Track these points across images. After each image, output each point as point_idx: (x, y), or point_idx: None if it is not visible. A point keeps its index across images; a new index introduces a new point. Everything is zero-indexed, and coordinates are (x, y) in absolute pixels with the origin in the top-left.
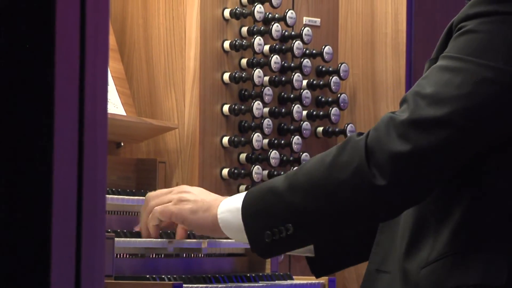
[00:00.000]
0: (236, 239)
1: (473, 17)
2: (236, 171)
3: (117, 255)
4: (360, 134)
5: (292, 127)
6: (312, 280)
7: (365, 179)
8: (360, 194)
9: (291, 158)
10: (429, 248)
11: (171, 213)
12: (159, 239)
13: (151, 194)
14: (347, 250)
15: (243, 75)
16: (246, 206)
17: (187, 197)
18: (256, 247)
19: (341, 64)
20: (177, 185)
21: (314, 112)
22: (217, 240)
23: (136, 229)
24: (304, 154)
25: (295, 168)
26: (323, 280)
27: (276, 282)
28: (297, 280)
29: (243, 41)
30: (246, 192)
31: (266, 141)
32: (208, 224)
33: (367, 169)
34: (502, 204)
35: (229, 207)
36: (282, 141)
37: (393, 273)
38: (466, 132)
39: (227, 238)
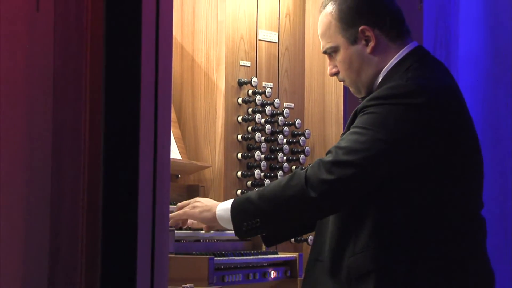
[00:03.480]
0: (226, 227)
1: (371, 105)
2: (245, 192)
3: (176, 240)
4: (302, 169)
5: (277, 166)
6: (289, 254)
7: (304, 195)
8: (301, 203)
9: None
10: (353, 244)
11: (187, 215)
12: (201, 231)
13: (178, 204)
14: (286, 232)
15: (249, 136)
16: (232, 208)
17: (197, 204)
18: (238, 233)
19: (306, 129)
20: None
21: (290, 158)
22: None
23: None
24: None
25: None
26: (295, 254)
27: (268, 256)
28: (281, 254)
29: (249, 116)
30: (234, 199)
31: (262, 174)
32: (210, 218)
33: (306, 189)
34: (399, 215)
35: (223, 207)
36: (272, 175)
37: (326, 261)
38: (366, 170)
39: (223, 229)
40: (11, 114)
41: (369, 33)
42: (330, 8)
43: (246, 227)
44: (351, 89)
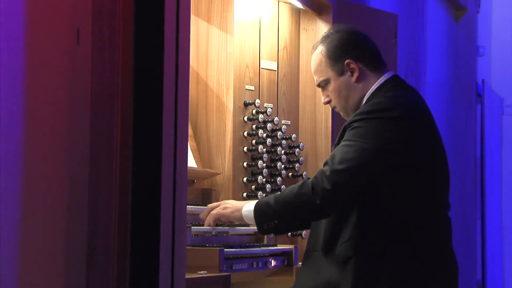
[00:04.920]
0: (251, 223)
1: (357, 120)
2: (250, 194)
3: (192, 234)
4: (308, 179)
5: (277, 173)
6: (286, 246)
7: (311, 201)
8: (309, 208)
9: (276, 188)
10: (342, 235)
11: (221, 215)
12: (213, 227)
13: (209, 204)
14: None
15: (253, 148)
16: (255, 210)
17: (228, 206)
18: (260, 231)
19: (300, 143)
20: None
21: (288, 166)
22: (241, 228)
23: (201, 216)
24: (283, 186)
25: (279, 192)
26: (291, 246)
27: (269, 247)
28: (279, 246)
29: (253, 132)
30: (256, 201)
31: (264, 180)
32: (238, 217)
33: (312, 196)
34: (376, 213)
35: (248, 208)
36: (272, 180)
37: (320, 251)
38: (358, 175)
39: (247, 224)
40: (56, 130)
41: (353, 65)
42: (320, 48)
43: (267, 226)
44: (341, 113)
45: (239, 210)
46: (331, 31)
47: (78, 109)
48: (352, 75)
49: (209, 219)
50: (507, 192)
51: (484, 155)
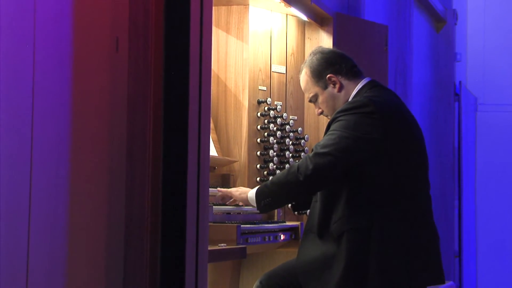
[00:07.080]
0: (253, 205)
1: (338, 116)
2: (263, 179)
3: (213, 213)
4: (296, 162)
5: (285, 161)
6: (293, 223)
7: (296, 179)
8: (295, 185)
9: None
10: (335, 214)
11: (229, 191)
12: (230, 206)
13: (227, 190)
14: (304, 205)
15: (265, 139)
16: (256, 193)
17: (239, 189)
18: (258, 208)
19: (305, 135)
20: (237, 186)
21: (294, 155)
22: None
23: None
24: None
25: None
26: (297, 223)
27: (279, 224)
28: (287, 223)
29: (265, 126)
30: (258, 186)
31: (275, 166)
32: (244, 199)
33: (297, 174)
34: (363, 192)
35: (252, 192)
36: (281, 167)
37: (315, 233)
38: (337, 158)
39: (252, 206)
40: (98, 126)
41: (334, 79)
42: (304, 70)
43: (263, 203)
44: None
45: (246, 193)
46: (311, 54)
47: (117, 105)
48: (334, 87)
49: (219, 194)
50: (480, 177)
51: (461, 146)
